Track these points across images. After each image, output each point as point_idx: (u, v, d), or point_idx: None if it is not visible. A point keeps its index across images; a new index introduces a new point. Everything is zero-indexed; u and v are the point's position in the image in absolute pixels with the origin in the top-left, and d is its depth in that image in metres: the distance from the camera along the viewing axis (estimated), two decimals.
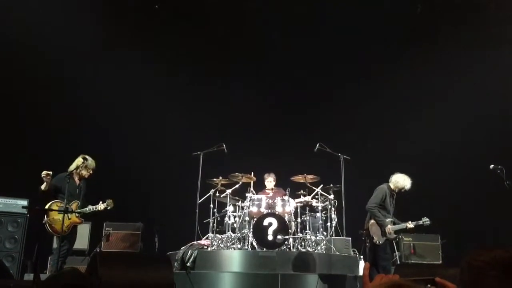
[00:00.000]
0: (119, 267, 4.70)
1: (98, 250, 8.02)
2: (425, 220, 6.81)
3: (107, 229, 8.40)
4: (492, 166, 6.57)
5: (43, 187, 6.47)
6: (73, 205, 6.67)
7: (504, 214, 7.93)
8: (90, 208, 6.79)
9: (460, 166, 9.21)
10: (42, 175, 6.38)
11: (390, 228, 6.79)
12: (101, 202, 6.86)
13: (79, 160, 6.76)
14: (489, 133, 9.59)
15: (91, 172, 6.88)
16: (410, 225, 6.84)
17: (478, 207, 9.07)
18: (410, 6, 9.96)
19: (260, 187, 8.62)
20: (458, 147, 9.58)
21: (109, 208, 6.89)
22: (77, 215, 6.65)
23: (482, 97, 9.62)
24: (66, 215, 6.34)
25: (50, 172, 6.43)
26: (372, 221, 6.91)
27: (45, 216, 6.44)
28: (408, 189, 7.08)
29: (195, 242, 7.47)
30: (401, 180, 7.09)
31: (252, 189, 8.15)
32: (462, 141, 9.59)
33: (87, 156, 6.81)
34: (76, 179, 6.86)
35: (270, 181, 8.59)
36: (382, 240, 6.82)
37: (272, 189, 8.58)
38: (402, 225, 6.84)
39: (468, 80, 9.73)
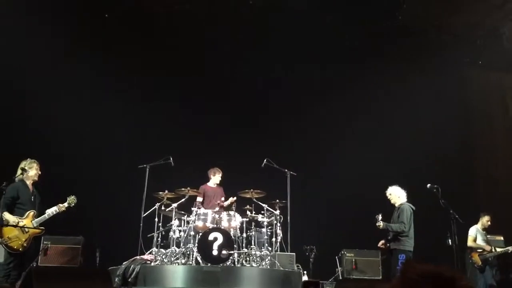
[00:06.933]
0: (56, 282, 4.53)
1: (34, 265, 7.66)
2: None
3: (45, 242, 7.99)
4: (429, 185, 6.87)
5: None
6: (30, 215, 6.29)
7: (440, 231, 8.26)
8: (49, 213, 6.40)
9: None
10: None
11: None
12: (59, 203, 6.49)
13: (22, 164, 6.45)
14: (426, 153, 10.09)
15: (38, 169, 6.52)
16: None
17: (416, 224, 9.42)
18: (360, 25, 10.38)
19: (206, 201, 8.60)
20: (398, 166, 9.98)
21: (72, 205, 6.54)
22: (35, 225, 6.27)
23: (421, 117, 10.14)
24: (23, 228, 6.05)
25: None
26: None
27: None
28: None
29: (138, 257, 7.30)
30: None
31: (198, 203, 8.14)
32: (403, 160, 10.02)
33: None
34: (29, 185, 6.49)
35: (220, 176, 8.74)
36: None
37: (216, 184, 8.70)
38: None
39: (407, 101, 10.26)
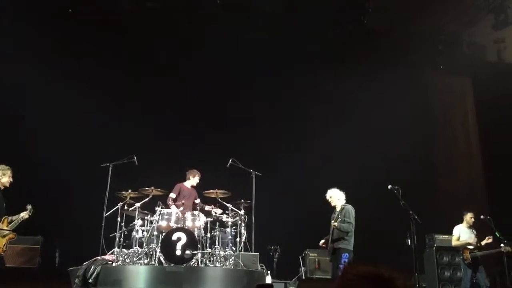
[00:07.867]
0: (13, 283, 4.42)
1: None
2: None
3: None
4: (389, 186, 7.01)
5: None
6: (5, 221, 6.26)
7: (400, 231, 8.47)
8: (19, 218, 6.38)
9: (361, 187, 9.73)
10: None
11: None
12: (23, 212, 6.47)
13: None
14: (389, 155, 10.32)
15: (11, 176, 6.42)
16: None
17: (382, 224, 9.60)
18: (326, 29, 10.52)
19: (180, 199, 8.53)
20: (361, 168, 10.18)
21: (30, 214, 6.51)
22: (9, 230, 6.29)
23: (386, 120, 10.36)
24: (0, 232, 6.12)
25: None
26: None
27: None
28: None
29: (99, 257, 7.17)
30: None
31: (171, 199, 8.10)
32: (365, 162, 10.22)
33: None
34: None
35: (198, 179, 8.56)
36: None
37: (192, 186, 8.57)
38: None
39: (372, 104, 10.47)
